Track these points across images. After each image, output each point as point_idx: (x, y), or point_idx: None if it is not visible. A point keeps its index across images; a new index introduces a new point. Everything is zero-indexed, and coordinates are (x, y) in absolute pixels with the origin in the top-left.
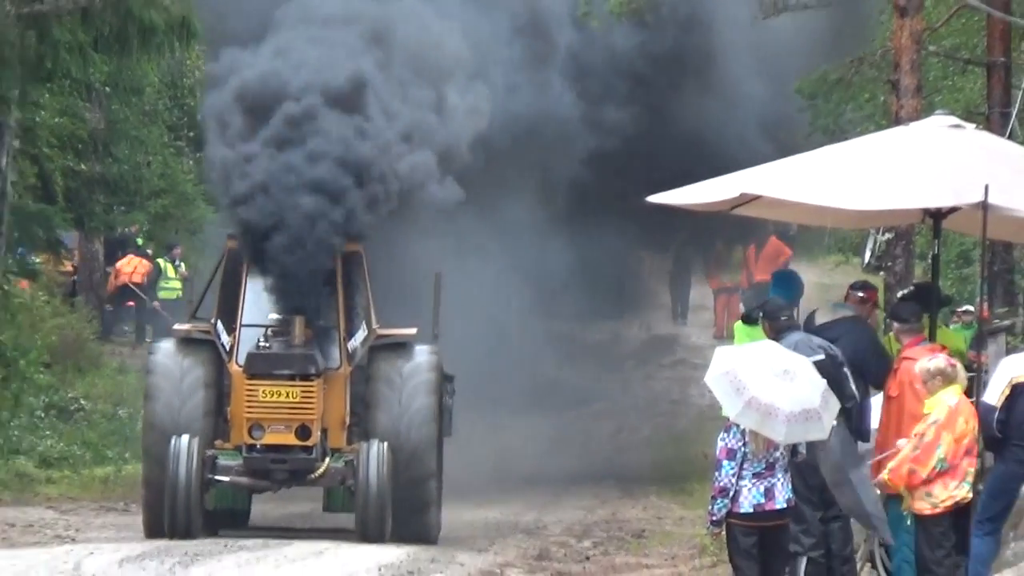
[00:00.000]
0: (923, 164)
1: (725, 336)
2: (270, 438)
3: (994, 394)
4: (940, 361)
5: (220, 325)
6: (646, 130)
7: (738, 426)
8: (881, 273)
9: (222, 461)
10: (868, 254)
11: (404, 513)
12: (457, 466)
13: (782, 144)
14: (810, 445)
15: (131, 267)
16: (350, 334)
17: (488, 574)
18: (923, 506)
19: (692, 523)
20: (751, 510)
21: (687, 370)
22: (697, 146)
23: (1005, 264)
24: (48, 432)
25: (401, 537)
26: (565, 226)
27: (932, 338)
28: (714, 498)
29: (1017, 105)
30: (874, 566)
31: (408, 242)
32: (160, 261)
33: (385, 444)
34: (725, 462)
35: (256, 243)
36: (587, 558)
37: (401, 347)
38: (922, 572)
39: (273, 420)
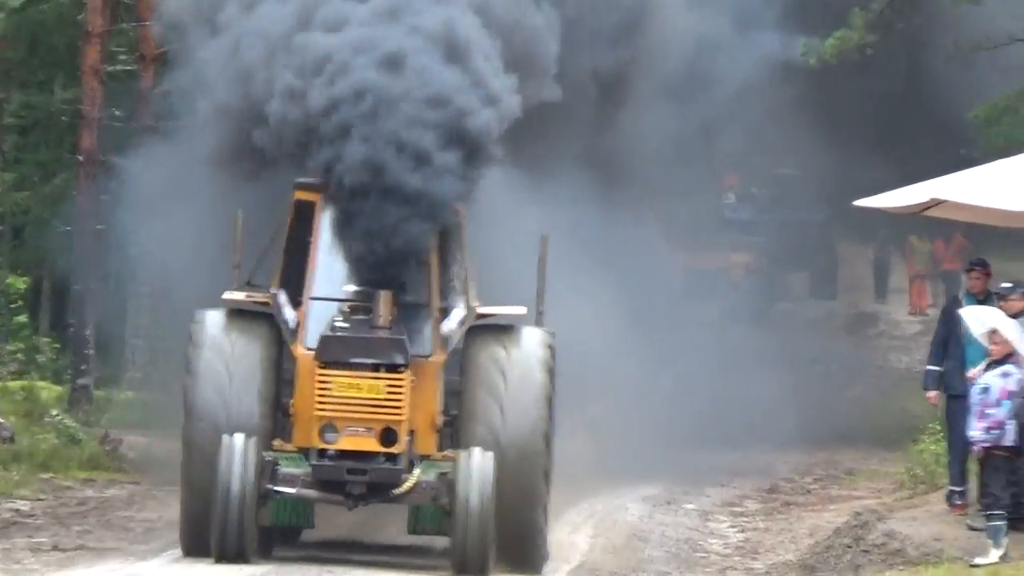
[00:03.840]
0: None
1: (918, 313)
2: (346, 442)
3: None
4: None
5: (283, 296)
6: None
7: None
8: None
9: (285, 469)
10: None
11: (505, 535)
12: (701, 418)
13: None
14: None
15: None
16: (444, 313)
17: (730, 504)
18: None
19: (893, 463)
20: (1014, 443)
21: (888, 340)
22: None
23: None
24: None
25: (502, 567)
26: (792, 222)
27: None
28: (989, 429)
29: None
30: None
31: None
32: None
33: (490, 455)
34: (1005, 401)
35: (339, 196)
36: (808, 491)
37: (505, 330)
38: None
39: (351, 421)
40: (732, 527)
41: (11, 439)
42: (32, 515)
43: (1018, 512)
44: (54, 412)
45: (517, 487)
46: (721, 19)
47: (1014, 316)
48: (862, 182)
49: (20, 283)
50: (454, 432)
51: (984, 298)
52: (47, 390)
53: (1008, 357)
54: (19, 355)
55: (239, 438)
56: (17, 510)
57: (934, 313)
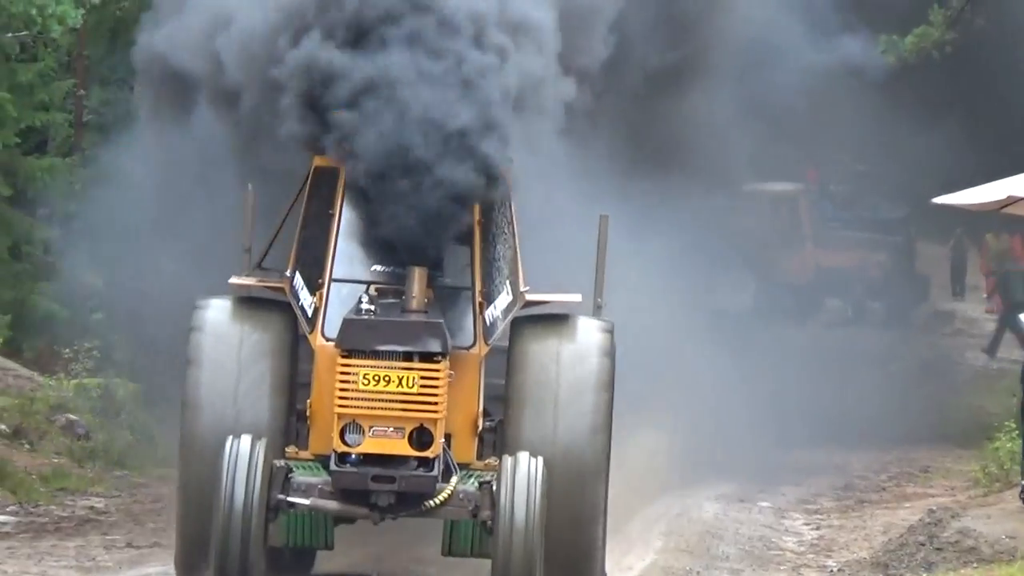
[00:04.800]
0: None
1: (996, 311)
2: (371, 444)
3: None
4: None
5: (299, 279)
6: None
7: None
8: None
9: (299, 477)
10: None
11: (557, 555)
12: (777, 415)
13: None
14: None
15: None
16: (488, 299)
17: (805, 501)
18: None
19: (968, 461)
20: None
21: (964, 338)
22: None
23: None
24: None
25: None
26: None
27: None
28: None
29: None
30: None
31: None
32: None
33: (539, 460)
34: None
35: (363, 160)
36: (883, 488)
37: (558, 320)
38: None
39: (378, 419)
40: (806, 524)
41: (86, 436)
42: (106, 512)
43: None
44: (129, 409)
45: (571, 499)
46: (792, 17)
47: None
48: (940, 180)
49: (97, 279)
50: (498, 439)
51: None
52: (123, 387)
53: None
54: (95, 352)
55: (245, 440)
56: (92, 507)
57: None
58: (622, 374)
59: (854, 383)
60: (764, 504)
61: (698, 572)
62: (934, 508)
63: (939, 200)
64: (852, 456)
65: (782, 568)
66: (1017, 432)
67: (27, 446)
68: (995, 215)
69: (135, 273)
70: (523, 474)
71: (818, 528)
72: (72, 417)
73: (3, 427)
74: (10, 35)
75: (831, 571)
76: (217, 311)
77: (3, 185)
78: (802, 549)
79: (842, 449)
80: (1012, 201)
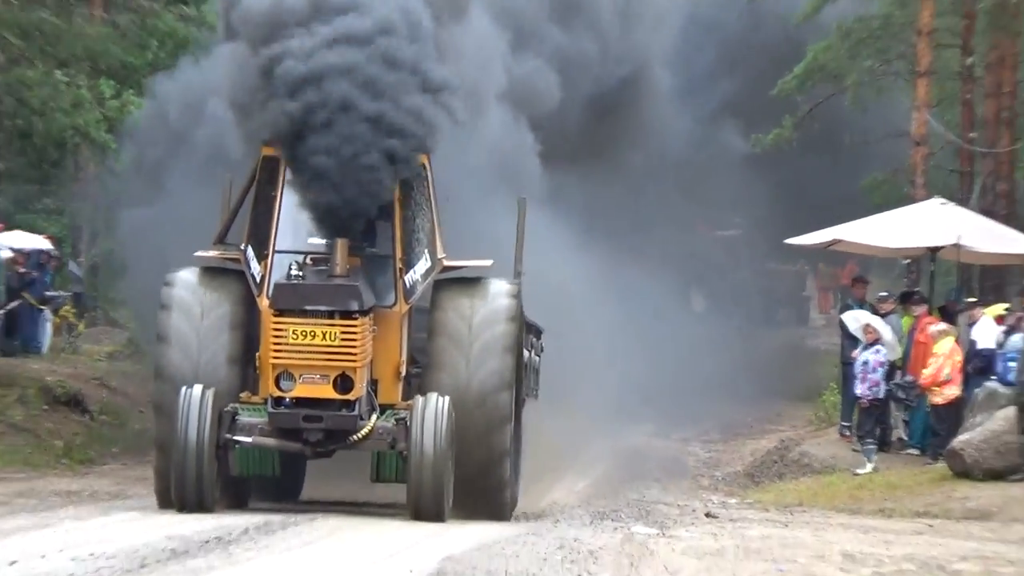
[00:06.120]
0: (927, 223)
1: (824, 313)
2: (302, 390)
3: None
4: (944, 326)
5: (251, 251)
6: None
7: (885, 349)
8: (904, 280)
9: (244, 418)
10: (897, 271)
11: (469, 483)
12: (685, 381)
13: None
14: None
15: None
16: (408, 265)
17: (701, 434)
18: (938, 399)
19: (806, 408)
20: (883, 396)
21: (804, 329)
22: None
23: (967, 275)
24: None
25: (466, 514)
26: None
27: (930, 313)
28: (870, 388)
29: (976, 194)
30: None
31: None
32: None
33: (446, 399)
34: (879, 368)
35: (295, 146)
36: (751, 426)
37: (472, 282)
38: (932, 435)
39: (305, 367)
40: (702, 449)
41: None
42: None
43: (884, 440)
44: None
45: (480, 436)
46: (685, 112)
47: (886, 314)
48: (787, 227)
49: None
50: (422, 382)
51: (863, 302)
52: None
53: (876, 341)
54: None
55: (197, 389)
56: None
57: (834, 312)
58: (605, 350)
59: (739, 358)
60: (675, 436)
61: (630, 480)
62: (784, 439)
63: (789, 240)
64: (732, 405)
65: (686, 477)
66: (837, 390)
67: None
68: (825, 251)
69: None
70: (431, 410)
71: (709, 452)
72: None
73: None
74: None
75: (718, 479)
76: (184, 284)
77: None
78: (699, 465)
79: (725, 400)
80: (836, 242)
